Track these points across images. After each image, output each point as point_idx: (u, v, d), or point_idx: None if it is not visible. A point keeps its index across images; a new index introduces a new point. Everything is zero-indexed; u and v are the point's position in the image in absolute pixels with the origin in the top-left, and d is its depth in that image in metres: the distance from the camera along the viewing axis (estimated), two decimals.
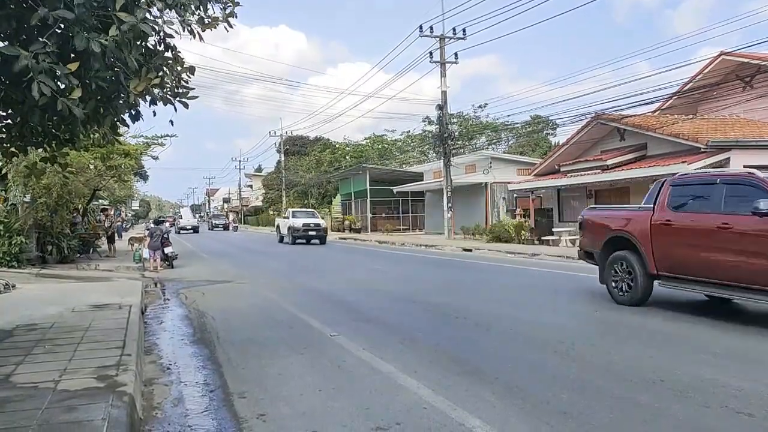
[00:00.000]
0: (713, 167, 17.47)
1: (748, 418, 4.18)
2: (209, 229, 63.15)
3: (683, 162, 17.38)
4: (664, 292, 9.47)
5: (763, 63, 20.16)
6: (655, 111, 24.12)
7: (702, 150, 17.76)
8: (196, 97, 5.62)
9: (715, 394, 4.71)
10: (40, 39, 4.19)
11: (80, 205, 20.24)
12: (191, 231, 50.50)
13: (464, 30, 29.52)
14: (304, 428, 4.16)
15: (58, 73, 4.16)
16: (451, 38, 29.94)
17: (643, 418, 4.24)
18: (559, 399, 4.66)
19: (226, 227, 62.85)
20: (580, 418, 4.24)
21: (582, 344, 6.55)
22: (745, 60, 20.86)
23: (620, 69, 62.41)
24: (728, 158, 17.67)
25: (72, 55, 4.54)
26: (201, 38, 5.39)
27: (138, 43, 4.88)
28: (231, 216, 79.89)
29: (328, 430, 4.11)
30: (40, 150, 6.38)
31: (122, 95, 5.10)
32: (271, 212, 68.56)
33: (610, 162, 21.33)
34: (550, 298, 10.46)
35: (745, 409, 4.35)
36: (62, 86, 4.30)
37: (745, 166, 17.60)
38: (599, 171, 21.55)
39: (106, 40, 4.22)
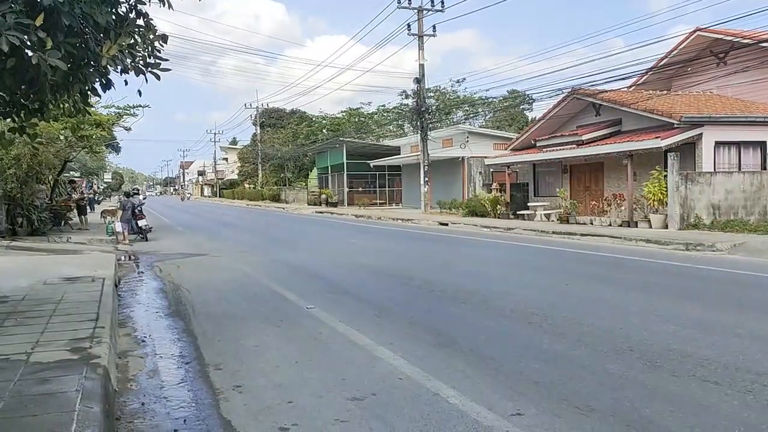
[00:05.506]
0: (686, 143, 17.78)
1: (714, 386, 4.31)
2: None
3: (657, 137, 17.55)
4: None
5: (736, 39, 20.34)
6: (630, 86, 24.27)
7: (675, 126, 17.95)
8: (169, 69, 5.46)
9: (683, 363, 4.84)
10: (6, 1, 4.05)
11: (51, 177, 19.78)
12: (143, 200, 66.55)
13: (442, 2, 29.26)
14: (280, 399, 4.18)
15: (25, 37, 4.03)
16: (429, 10, 29.66)
17: (612, 386, 4.35)
18: (532, 369, 4.75)
19: None
20: (552, 387, 4.34)
21: (554, 316, 6.66)
22: (720, 36, 21.02)
23: (597, 44, 62.88)
24: (701, 134, 17.91)
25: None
26: (170, 6, 5.23)
27: (108, 9, 4.73)
28: None
29: (304, 401, 4.14)
30: (9, 120, 6.21)
31: (92, 63, 4.95)
32: (248, 185, 68.00)
33: (585, 137, 21.45)
34: (524, 271, 10.60)
35: (711, 377, 4.48)
36: (30, 42, 4.17)
37: (717, 142, 18.05)
38: (575, 146, 21.67)
39: None
